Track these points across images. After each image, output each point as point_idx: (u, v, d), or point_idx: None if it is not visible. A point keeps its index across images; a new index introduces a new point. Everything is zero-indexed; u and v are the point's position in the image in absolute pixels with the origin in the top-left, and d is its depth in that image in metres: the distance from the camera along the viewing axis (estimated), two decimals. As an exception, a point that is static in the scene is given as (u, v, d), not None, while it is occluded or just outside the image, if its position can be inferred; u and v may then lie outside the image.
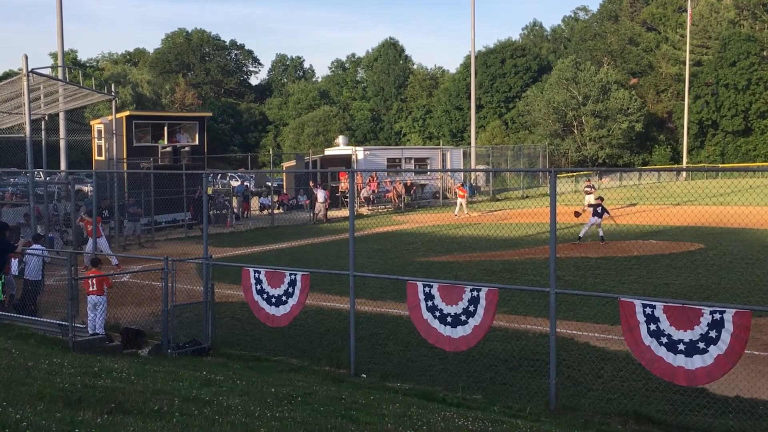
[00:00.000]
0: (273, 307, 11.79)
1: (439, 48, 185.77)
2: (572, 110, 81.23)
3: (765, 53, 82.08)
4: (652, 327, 8.60)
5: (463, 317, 9.85)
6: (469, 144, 61.11)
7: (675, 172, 70.99)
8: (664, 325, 8.53)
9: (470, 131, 60.80)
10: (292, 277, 11.64)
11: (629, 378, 10.26)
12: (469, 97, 67.18)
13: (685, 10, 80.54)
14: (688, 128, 77.35)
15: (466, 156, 55.59)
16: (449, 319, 9.96)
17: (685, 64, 77.42)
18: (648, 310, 8.63)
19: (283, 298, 11.69)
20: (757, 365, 10.61)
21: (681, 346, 8.39)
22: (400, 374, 10.88)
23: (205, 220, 13.89)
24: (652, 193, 46.80)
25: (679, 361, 8.39)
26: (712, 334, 8.22)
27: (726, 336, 8.14)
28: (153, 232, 30.09)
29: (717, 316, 8.20)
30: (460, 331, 9.87)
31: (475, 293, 9.78)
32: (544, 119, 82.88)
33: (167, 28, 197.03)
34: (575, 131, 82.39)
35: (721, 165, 74.51)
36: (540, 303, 13.25)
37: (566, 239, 26.20)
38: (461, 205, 38.22)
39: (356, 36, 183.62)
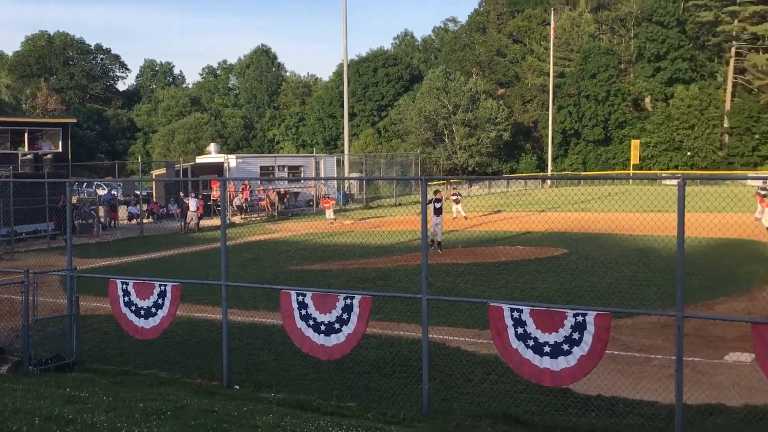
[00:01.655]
0: (142, 319, 11.43)
1: (312, 56, 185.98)
2: (443, 119, 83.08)
3: (622, 66, 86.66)
4: (519, 330, 8.87)
5: (336, 325, 9.86)
6: (343, 152, 61.44)
7: (540, 180, 73.84)
8: (531, 328, 8.82)
9: (343, 139, 61.12)
10: (162, 288, 11.32)
11: (498, 381, 10.55)
12: (342, 105, 67.53)
13: (549, 24, 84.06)
14: (553, 137, 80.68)
15: (340, 164, 55.84)
16: (323, 327, 9.95)
17: (549, 75, 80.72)
18: (515, 314, 8.89)
19: (153, 309, 11.35)
20: (616, 365, 11.14)
21: (546, 348, 8.69)
22: (273, 384, 10.77)
23: (69, 230, 13.31)
24: (519, 200, 48.46)
25: (545, 362, 8.69)
26: (575, 335, 8.56)
27: (588, 337, 8.50)
28: (13, 243, 28.62)
29: (579, 318, 8.55)
30: (334, 339, 9.88)
31: (348, 301, 9.81)
32: (416, 128, 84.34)
33: (27, 30, 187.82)
34: (446, 140, 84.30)
35: (583, 173, 78.04)
36: (412, 309, 13.43)
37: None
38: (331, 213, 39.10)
39: (228, 42, 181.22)
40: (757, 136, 74.92)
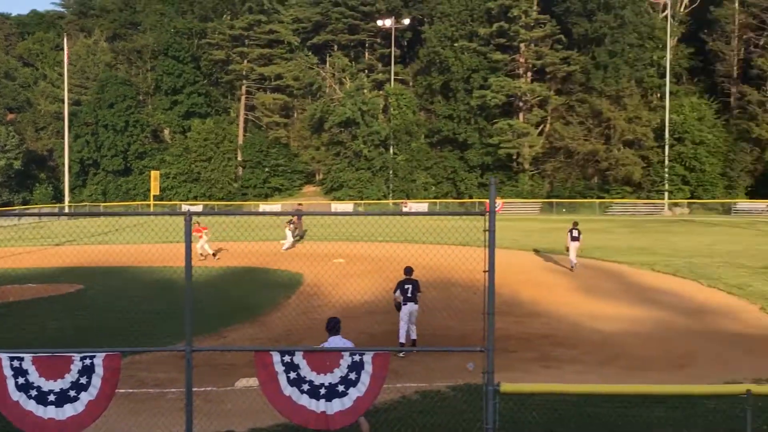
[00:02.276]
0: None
1: None
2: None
3: (141, 97, 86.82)
4: (22, 380, 8.13)
5: None
6: None
7: (58, 210, 69.99)
8: (33, 377, 8.14)
9: None
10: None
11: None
12: None
13: (63, 49, 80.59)
14: (70, 167, 77.24)
15: None
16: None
17: (64, 102, 77.29)
18: (15, 363, 8.13)
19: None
20: (131, 404, 10.90)
21: (52, 397, 8.10)
22: None
23: None
24: (33, 234, 45.31)
25: (50, 413, 8.09)
26: (83, 380, 8.11)
27: (96, 380, 8.11)
28: None
29: (88, 362, 8.14)
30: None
31: None
32: None
33: None
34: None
35: (102, 204, 76.05)
36: None
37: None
38: None
39: None
40: (267, 169, 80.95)
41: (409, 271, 15.95)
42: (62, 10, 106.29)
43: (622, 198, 67.57)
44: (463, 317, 15.33)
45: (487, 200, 8.15)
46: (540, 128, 73.58)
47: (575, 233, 27.60)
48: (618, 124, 66.42)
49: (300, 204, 57.97)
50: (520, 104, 73.42)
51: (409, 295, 15.51)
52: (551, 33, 70.85)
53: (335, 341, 9.84)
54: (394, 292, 15.79)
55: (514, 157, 73.27)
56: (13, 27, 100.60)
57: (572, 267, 27.15)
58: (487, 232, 7.99)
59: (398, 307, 15.66)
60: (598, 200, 67.33)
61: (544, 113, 73.02)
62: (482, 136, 72.45)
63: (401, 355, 14.67)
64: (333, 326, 9.92)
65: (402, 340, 15.32)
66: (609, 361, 14.90)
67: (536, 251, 31.77)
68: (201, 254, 30.22)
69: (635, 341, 16.45)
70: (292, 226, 34.63)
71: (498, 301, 7.93)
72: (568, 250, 27.55)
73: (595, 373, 13.67)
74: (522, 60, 73.28)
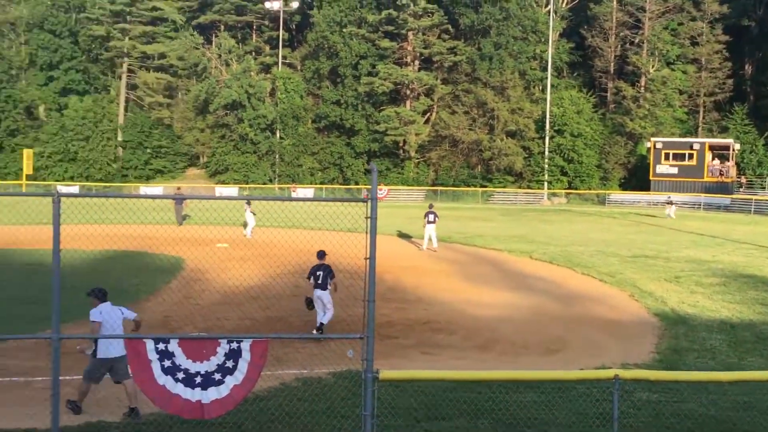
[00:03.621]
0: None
1: None
2: None
3: (14, 72, 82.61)
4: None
5: None
6: None
7: None
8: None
9: None
10: None
11: None
12: None
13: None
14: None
15: None
16: None
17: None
18: None
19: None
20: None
21: None
22: None
23: None
24: None
25: None
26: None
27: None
28: None
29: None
30: None
31: None
32: None
33: None
34: None
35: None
36: None
37: None
38: None
39: None
40: (149, 150, 78.62)
41: (321, 255, 15.60)
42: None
43: (504, 187, 69.35)
44: (345, 304, 15.34)
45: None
46: (426, 116, 74.49)
47: (431, 217, 29.03)
48: (501, 115, 68.01)
49: (179, 188, 56.60)
50: (408, 92, 74.05)
51: (320, 281, 15.32)
52: (439, 23, 71.70)
53: (106, 308, 10.27)
54: (308, 278, 15.59)
55: (401, 144, 73.94)
56: None
57: (428, 249, 28.93)
58: (368, 219, 8.00)
59: (308, 304, 15.41)
60: (481, 189, 68.89)
61: (430, 102, 73.94)
62: (369, 122, 72.76)
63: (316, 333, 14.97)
64: (100, 294, 10.44)
65: (318, 323, 15.44)
66: (486, 347, 15.26)
67: (408, 237, 32.19)
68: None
69: (512, 327, 16.91)
70: (249, 208, 33.26)
71: (381, 288, 7.99)
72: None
73: (473, 359, 13.97)
74: (410, 48, 73.89)
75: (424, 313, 18.24)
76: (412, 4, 70.87)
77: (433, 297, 20.14)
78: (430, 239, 29.45)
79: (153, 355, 7.94)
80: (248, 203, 33.10)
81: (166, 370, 7.91)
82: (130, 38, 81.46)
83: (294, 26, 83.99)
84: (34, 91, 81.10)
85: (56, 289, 7.88)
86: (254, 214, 33.06)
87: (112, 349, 9.96)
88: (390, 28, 72.77)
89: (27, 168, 70.66)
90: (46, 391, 10.21)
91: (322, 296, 15.38)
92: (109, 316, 10.17)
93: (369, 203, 8.10)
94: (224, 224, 30.01)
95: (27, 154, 71.78)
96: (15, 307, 16.38)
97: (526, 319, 17.84)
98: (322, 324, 15.37)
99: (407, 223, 37.59)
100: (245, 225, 33.73)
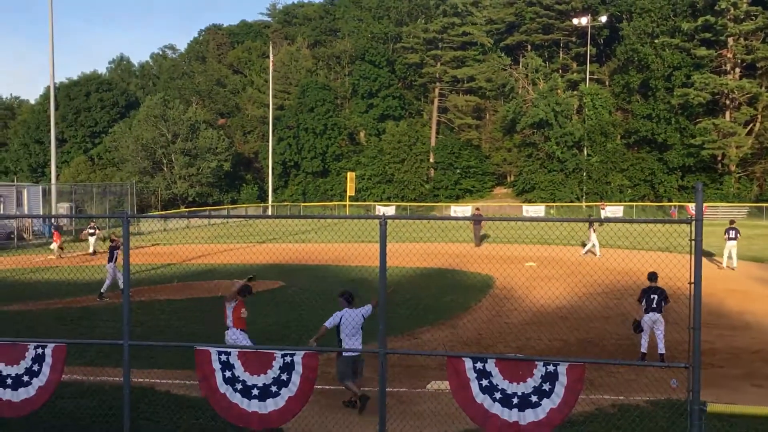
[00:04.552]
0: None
1: (17, 76, 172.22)
2: (161, 148, 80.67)
3: (338, 101, 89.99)
4: (227, 374, 8.58)
5: (26, 378, 8.91)
6: (50, 180, 57.14)
7: (262, 210, 74.17)
8: (239, 371, 8.57)
9: (51, 167, 56.84)
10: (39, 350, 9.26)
11: (207, 426, 10.16)
12: (50, 131, 62.99)
13: (268, 56, 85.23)
14: (273, 168, 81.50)
15: (46, 194, 51.89)
16: (9, 381, 8.93)
17: (269, 107, 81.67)
18: (223, 357, 8.60)
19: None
20: (327, 400, 11.21)
21: (255, 392, 8.49)
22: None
23: None
24: (240, 231, 48.14)
25: (253, 405, 8.48)
26: (284, 376, 8.44)
27: (296, 378, 8.41)
28: None
29: (288, 359, 8.44)
30: (23, 394, 8.91)
31: (39, 351, 8.90)
32: (132, 156, 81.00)
33: None
34: (165, 168, 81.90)
35: (302, 204, 79.60)
36: (119, 352, 12.61)
37: (148, 281, 25.63)
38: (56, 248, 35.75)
39: None
40: (458, 171, 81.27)
41: (653, 277, 14.75)
42: (269, 19, 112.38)
43: None
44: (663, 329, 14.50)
45: (690, 204, 7.66)
46: (749, 127, 68.69)
47: (732, 233, 27.94)
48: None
49: (477, 208, 57.51)
50: (727, 102, 68.93)
51: (653, 305, 14.44)
52: (764, 25, 65.93)
53: (350, 313, 11.21)
54: (639, 300, 14.76)
55: (719, 158, 68.91)
56: (224, 37, 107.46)
57: (728, 267, 27.55)
58: (692, 242, 7.50)
59: (635, 327, 14.58)
60: (815, 205, 61.92)
61: (753, 111, 68.09)
62: (683, 136, 68.80)
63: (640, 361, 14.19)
64: (349, 298, 11.42)
65: (644, 350, 14.63)
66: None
67: (710, 255, 29.65)
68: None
69: None
70: (591, 229, 32.98)
71: (703, 312, 7.41)
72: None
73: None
74: (729, 55, 68.79)
75: (753, 341, 16.68)
76: (732, 8, 65.96)
77: (763, 323, 18.38)
78: (729, 256, 27.68)
79: (471, 374, 8.08)
80: (590, 225, 32.59)
81: (483, 389, 8.01)
82: (441, 64, 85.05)
83: (602, 41, 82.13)
84: (356, 118, 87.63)
85: (382, 305, 8.35)
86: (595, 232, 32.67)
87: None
88: (707, 35, 68.38)
89: (350, 190, 76.06)
90: (373, 401, 10.85)
91: (656, 318, 14.55)
92: (348, 318, 11.19)
93: (693, 224, 7.60)
94: (531, 243, 29.99)
95: (350, 176, 77.17)
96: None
97: None
98: (662, 354, 14.46)
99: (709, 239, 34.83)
100: (584, 245, 33.20)
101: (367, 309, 11.43)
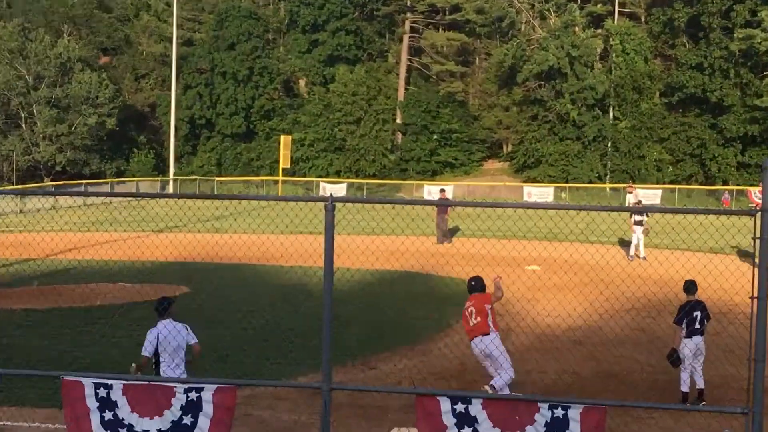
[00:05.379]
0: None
1: None
2: (19, 96, 79.35)
3: (270, 36, 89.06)
4: (108, 415, 8.51)
5: None
6: None
7: (160, 186, 73.77)
8: (125, 411, 8.50)
9: None
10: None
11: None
12: None
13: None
14: (177, 128, 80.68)
15: None
16: None
17: (171, 42, 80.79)
18: (102, 392, 8.51)
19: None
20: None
21: None
22: None
23: None
24: (128, 215, 47.73)
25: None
26: (187, 420, 8.42)
27: (204, 422, 8.39)
28: None
29: (193, 395, 8.40)
30: None
31: None
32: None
33: None
34: (23, 125, 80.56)
35: (217, 178, 78.90)
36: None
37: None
38: None
39: None
40: (435, 137, 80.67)
41: (691, 288, 14.80)
42: None
43: None
44: (711, 358, 14.71)
45: (753, 189, 7.74)
46: (834, 86, 70.00)
47: None
48: None
49: (443, 190, 56.76)
50: (806, 50, 70.10)
51: (696, 326, 14.41)
52: None
53: (165, 325, 11.41)
54: (677, 321, 14.60)
55: (794, 126, 70.13)
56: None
57: None
58: (757, 240, 7.57)
59: (672, 358, 14.44)
60: None
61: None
62: (745, 95, 69.77)
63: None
64: (164, 308, 11.59)
65: (685, 389, 14.65)
66: None
67: None
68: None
69: None
70: (633, 221, 32.84)
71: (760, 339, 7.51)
72: None
73: None
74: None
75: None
76: None
77: None
78: None
79: (449, 419, 8.05)
80: (631, 216, 32.48)
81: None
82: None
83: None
84: (294, 60, 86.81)
85: (327, 327, 8.29)
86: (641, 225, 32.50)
87: None
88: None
89: (284, 160, 75.18)
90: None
91: (701, 346, 14.55)
92: (168, 336, 11.31)
93: (758, 217, 7.64)
94: (534, 239, 30.18)
95: (284, 141, 76.27)
96: (273, 344, 17.60)
97: None
98: (701, 390, 14.56)
99: None
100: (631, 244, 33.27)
101: (191, 335, 11.68)
